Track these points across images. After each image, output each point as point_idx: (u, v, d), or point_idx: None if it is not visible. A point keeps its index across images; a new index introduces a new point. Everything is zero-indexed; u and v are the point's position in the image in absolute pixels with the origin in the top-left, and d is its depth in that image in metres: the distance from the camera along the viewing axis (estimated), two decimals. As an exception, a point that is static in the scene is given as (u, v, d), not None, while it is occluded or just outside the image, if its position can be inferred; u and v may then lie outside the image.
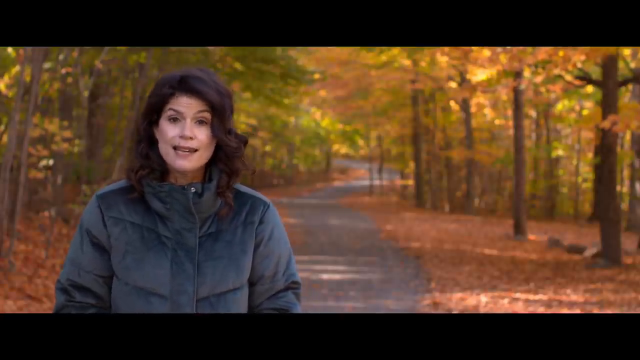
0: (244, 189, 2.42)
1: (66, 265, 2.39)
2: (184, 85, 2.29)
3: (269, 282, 2.41)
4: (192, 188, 2.31)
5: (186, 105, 2.29)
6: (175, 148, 2.28)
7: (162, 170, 2.34)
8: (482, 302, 10.12)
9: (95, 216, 2.36)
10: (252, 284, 2.41)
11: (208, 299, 2.32)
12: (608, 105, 13.64)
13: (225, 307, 2.33)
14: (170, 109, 2.29)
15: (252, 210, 2.39)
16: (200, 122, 2.30)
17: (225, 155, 2.34)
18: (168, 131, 2.29)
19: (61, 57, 12.66)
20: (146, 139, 2.34)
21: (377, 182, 44.42)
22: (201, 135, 2.29)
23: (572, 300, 10.39)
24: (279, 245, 2.43)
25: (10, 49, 13.18)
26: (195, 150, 2.28)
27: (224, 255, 2.33)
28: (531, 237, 19.54)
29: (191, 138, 2.27)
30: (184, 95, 2.29)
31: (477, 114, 30.83)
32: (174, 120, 2.29)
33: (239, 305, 2.36)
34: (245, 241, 2.36)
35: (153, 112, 2.32)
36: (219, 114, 2.31)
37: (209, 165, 2.35)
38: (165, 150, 2.30)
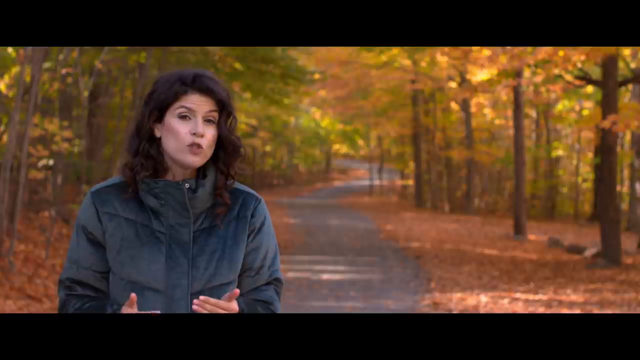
0: (236, 184, 2.46)
1: (66, 263, 2.43)
2: (198, 83, 2.33)
3: (254, 274, 2.44)
4: (186, 184, 2.35)
5: (198, 103, 2.33)
6: (188, 145, 2.31)
7: (159, 168, 2.37)
8: (482, 302, 10.12)
9: (90, 212, 2.38)
10: (238, 275, 2.43)
11: (202, 293, 2.34)
12: (608, 105, 13.64)
13: None
14: (182, 106, 2.33)
15: (244, 205, 2.43)
16: (208, 121, 2.34)
17: (226, 155, 2.38)
18: (179, 128, 2.32)
19: (61, 57, 12.65)
20: (147, 137, 2.36)
21: (377, 182, 44.39)
22: (208, 134, 2.33)
23: (572, 300, 10.39)
24: (267, 239, 2.46)
25: (10, 49, 13.17)
26: (203, 148, 2.32)
27: (218, 249, 2.37)
28: (531, 237, 19.54)
29: (202, 135, 2.31)
30: (197, 93, 2.33)
31: (477, 114, 30.81)
32: (183, 117, 2.33)
33: None
34: (238, 235, 2.40)
35: (160, 109, 2.35)
36: (226, 113, 2.36)
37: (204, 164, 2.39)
38: (175, 147, 2.33)
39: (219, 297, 2.35)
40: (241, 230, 2.40)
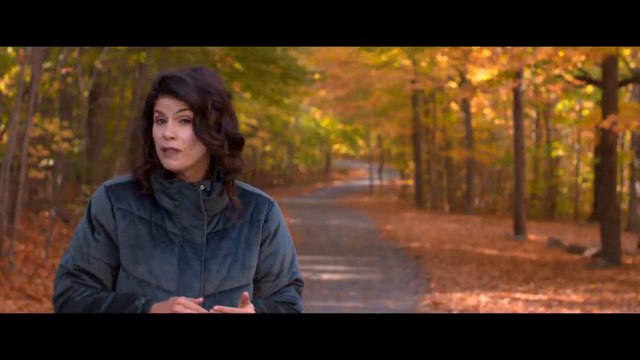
0: (249, 187, 2.45)
1: (70, 252, 2.39)
2: (163, 86, 2.32)
3: (274, 279, 2.45)
4: (202, 185, 2.34)
5: (166, 105, 2.32)
6: (162, 149, 2.31)
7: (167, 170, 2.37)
8: (482, 302, 10.12)
9: (105, 206, 2.37)
10: (257, 280, 2.44)
11: (214, 296, 2.34)
12: (608, 105, 13.64)
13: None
14: (156, 110, 2.34)
15: (257, 208, 2.42)
16: (186, 121, 2.31)
17: (213, 153, 2.36)
18: (156, 133, 2.33)
19: (61, 57, 12.65)
20: (147, 141, 2.38)
21: (377, 182, 44.39)
22: (184, 135, 2.30)
23: (572, 300, 10.39)
24: (283, 243, 2.46)
25: (10, 49, 13.17)
26: (180, 150, 2.30)
27: (230, 252, 2.36)
28: (531, 237, 19.54)
29: (172, 138, 2.30)
30: (165, 96, 2.32)
31: (477, 114, 30.81)
32: (160, 121, 2.33)
33: None
34: (251, 239, 2.39)
35: (146, 115, 2.37)
36: (200, 113, 2.31)
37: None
38: (158, 151, 2.33)
39: (231, 301, 2.34)
40: (254, 234, 2.40)
